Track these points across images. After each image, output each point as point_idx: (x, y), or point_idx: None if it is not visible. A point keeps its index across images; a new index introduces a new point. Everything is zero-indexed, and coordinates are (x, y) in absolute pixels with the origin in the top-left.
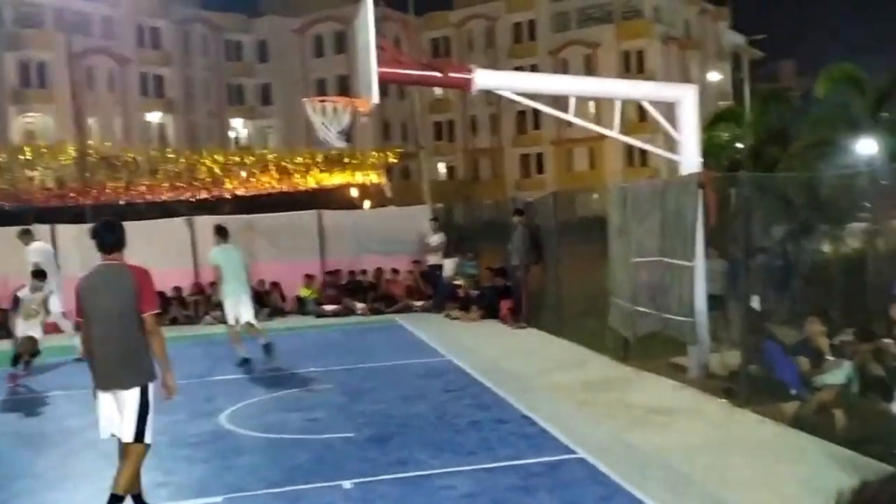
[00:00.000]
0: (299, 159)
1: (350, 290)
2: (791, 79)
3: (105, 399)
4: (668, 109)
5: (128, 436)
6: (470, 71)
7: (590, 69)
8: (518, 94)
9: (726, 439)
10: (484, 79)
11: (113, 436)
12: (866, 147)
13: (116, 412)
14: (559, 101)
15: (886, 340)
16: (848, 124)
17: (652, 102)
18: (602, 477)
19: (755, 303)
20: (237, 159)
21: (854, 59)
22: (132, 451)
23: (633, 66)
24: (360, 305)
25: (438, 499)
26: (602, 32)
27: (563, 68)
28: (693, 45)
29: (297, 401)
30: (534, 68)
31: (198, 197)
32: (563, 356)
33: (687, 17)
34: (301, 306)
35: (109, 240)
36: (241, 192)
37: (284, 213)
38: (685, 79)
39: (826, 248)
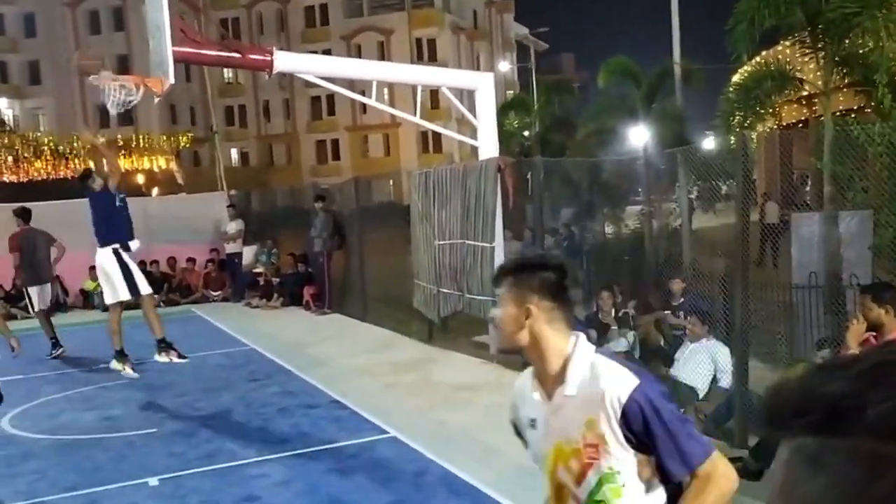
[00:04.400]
0: (78, 143)
1: None
2: (571, 71)
3: None
4: (461, 97)
5: None
6: (270, 53)
7: (383, 55)
8: (319, 77)
9: None
10: (285, 61)
11: None
12: (641, 135)
13: None
14: (354, 87)
15: (665, 312)
16: (626, 113)
17: (450, 89)
18: (415, 454)
19: None
20: (5, 142)
21: (627, 53)
22: None
23: (425, 54)
24: None
25: (252, 488)
26: (394, 20)
27: (356, 54)
28: (481, 36)
29: (90, 399)
30: (327, 53)
31: None
32: (369, 340)
33: (475, 8)
34: (86, 300)
35: None
36: (8, 178)
37: (62, 200)
38: (475, 67)
39: (608, 228)
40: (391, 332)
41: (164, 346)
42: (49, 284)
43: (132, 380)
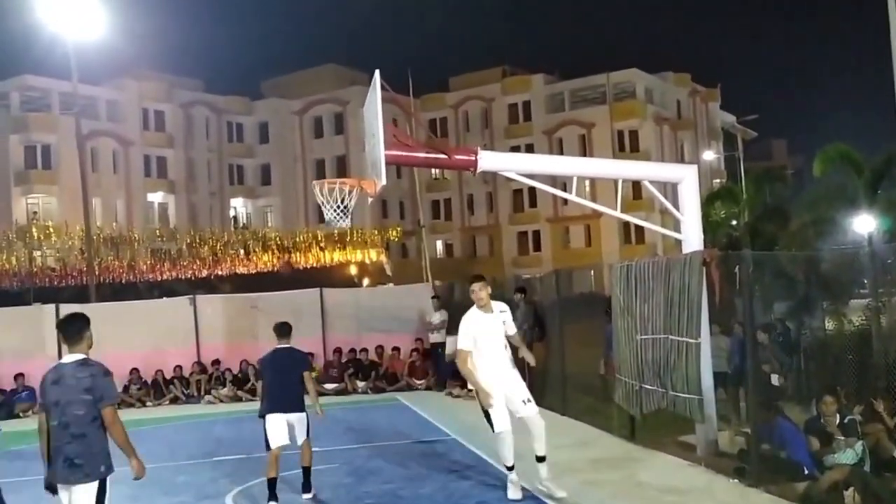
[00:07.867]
0: (300, 238)
1: (352, 369)
2: (783, 157)
3: None
4: (664, 188)
5: None
6: (475, 153)
7: (584, 148)
8: (520, 175)
9: None
10: (488, 160)
11: None
12: (865, 224)
13: None
14: (556, 180)
15: None
16: (846, 202)
17: (652, 182)
18: None
19: (775, 380)
20: (238, 237)
21: (843, 139)
22: None
23: (627, 145)
24: (361, 384)
25: None
26: (596, 113)
27: (558, 147)
28: (685, 125)
29: None
30: (529, 147)
31: (198, 275)
32: (569, 434)
33: (678, 98)
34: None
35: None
36: (241, 270)
37: (286, 291)
38: (678, 157)
39: (829, 324)
40: (591, 428)
41: None
42: None
43: (342, 464)
